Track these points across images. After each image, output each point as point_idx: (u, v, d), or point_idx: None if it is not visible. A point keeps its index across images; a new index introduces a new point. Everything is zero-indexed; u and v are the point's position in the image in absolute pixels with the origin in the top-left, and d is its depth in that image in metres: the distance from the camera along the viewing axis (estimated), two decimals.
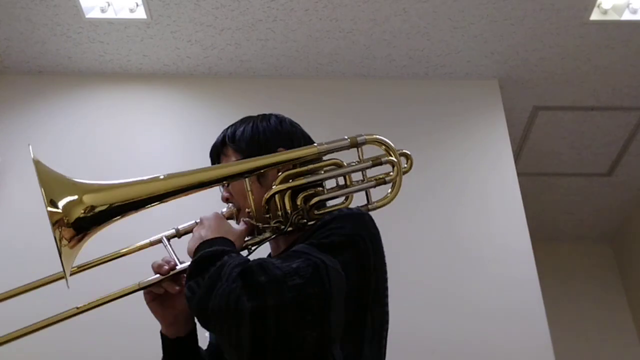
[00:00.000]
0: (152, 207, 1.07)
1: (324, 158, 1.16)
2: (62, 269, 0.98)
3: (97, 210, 1.01)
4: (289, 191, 1.12)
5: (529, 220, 2.49)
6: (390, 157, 1.18)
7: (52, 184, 1.00)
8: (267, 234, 1.11)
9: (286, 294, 0.85)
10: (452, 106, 2.77)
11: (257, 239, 1.11)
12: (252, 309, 0.84)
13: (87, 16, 2.51)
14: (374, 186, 1.18)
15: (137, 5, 2.50)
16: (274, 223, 1.11)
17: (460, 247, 2.40)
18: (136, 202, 1.05)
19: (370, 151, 1.19)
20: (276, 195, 1.11)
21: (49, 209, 0.96)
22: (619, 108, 2.98)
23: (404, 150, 1.21)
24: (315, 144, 1.16)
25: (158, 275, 1.09)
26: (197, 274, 0.94)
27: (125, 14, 2.52)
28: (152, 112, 2.70)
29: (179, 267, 1.10)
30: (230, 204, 1.19)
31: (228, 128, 1.26)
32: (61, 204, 0.98)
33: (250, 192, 1.12)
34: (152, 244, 1.15)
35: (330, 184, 1.18)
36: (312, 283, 0.87)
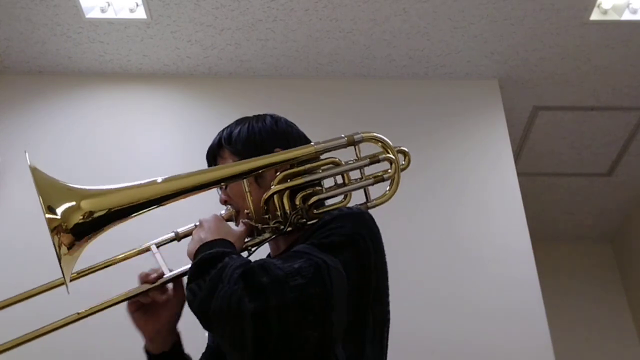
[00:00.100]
0: (151, 211, 1.07)
1: (322, 157, 1.16)
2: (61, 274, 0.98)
3: (95, 215, 1.01)
4: (288, 191, 1.12)
5: (529, 220, 2.49)
6: (388, 155, 1.18)
7: (49, 190, 1.01)
8: (267, 235, 1.11)
9: (288, 294, 0.85)
10: (452, 106, 2.77)
11: (257, 240, 1.11)
12: (254, 310, 0.84)
13: (87, 16, 2.51)
14: (373, 184, 1.18)
15: (137, 5, 2.50)
16: (274, 223, 1.11)
17: (460, 247, 2.40)
18: (134, 206, 1.05)
19: (367, 149, 1.19)
20: (275, 196, 1.11)
21: (47, 215, 0.96)
22: (619, 108, 2.98)
23: (402, 147, 1.22)
24: (312, 143, 1.16)
25: (146, 284, 1.08)
26: (198, 276, 0.94)
27: (125, 14, 2.52)
28: (152, 112, 2.70)
29: (167, 275, 1.09)
30: (229, 206, 1.19)
31: (223, 130, 1.26)
32: (59, 210, 0.98)
33: (248, 193, 1.12)
34: (139, 252, 1.14)
35: (328, 182, 1.18)
36: (314, 283, 0.87)
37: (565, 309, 3.51)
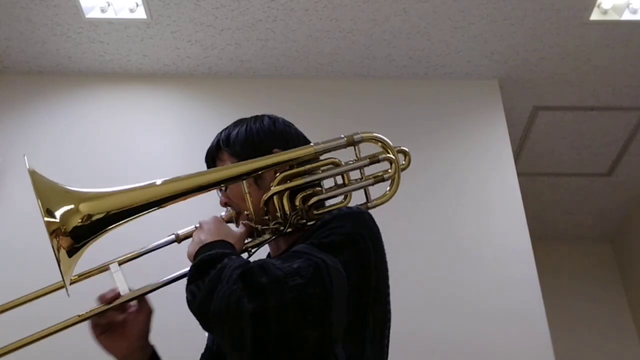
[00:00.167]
0: (153, 213, 1.07)
1: (321, 157, 1.16)
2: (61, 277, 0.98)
3: (94, 218, 1.01)
4: (287, 192, 1.12)
5: (529, 220, 2.49)
6: (388, 155, 1.18)
7: (48, 193, 1.00)
8: (267, 236, 1.11)
9: (287, 294, 0.85)
10: (452, 106, 2.77)
11: (257, 241, 1.11)
12: (253, 310, 0.84)
13: (87, 16, 2.51)
14: (373, 184, 1.18)
15: (137, 5, 2.50)
16: (273, 224, 1.10)
17: (460, 247, 2.40)
18: (133, 209, 1.04)
19: (367, 149, 1.19)
20: (274, 197, 1.11)
21: (46, 219, 0.96)
22: (619, 108, 2.98)
23: (402, 147, 1.21)
24: (311, 144, 1.15)
25: (103, 305, 1.07)
26: (197, 277, 0.94)
27: (125, 14, 2.52)
28: (152, 112, 2.70)
29: (124, 295, 1.08)
30: (229, 208, 1.19)
31: (222, 132, 1.25)
32: (58, 213, 0.98)
33: (248, 195, 1.12)
34: (100, 270, 1.12)
35: (328, 183, 1.18)
36: (313, 283, 0.87)
37: (565, 309, 3.51)
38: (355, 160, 1.18)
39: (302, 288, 0.86)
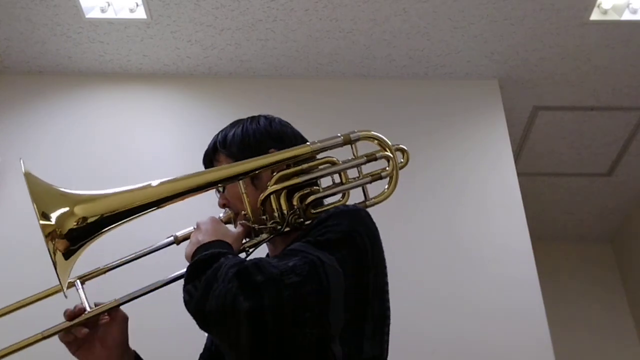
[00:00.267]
0: (153, 213, 1.07)
1: (318, 156, 1.16)
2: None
3: (89, 220, 1.01)
4: (285, 191, 1.11)
5: (529, 220, 2.49)
6: (385, 152, 1.18)
7: (43, 196, 1.00)
8: (265, 235, 1.11)
9: (283, 293, 0.85)
10: (452, 106, 2.77)
11: (254, 241, 1.11)
12: (249, 309, 0.84)
13: (87, 16, 2.51)
14: (370, 182, 1.18)
15: (137, 5, 2.50)
16: (271, 224, 1.10)
17: (460, 247, 2.40)
18: (129, 210, 1.04)
19: (365, 148, 1.18)
20: (271, 196, 1.11)
21: (41, 222, 0.96)
22: (619, 108, 2.98)
23: (400, 145, 1.21)
24: (308, 143, 1.15)
25: (64, 322, 1.06)
26: (194, 277, 0.94)
27: (125, 14, 2.52)
28: (152, 112, 2.71)
29: (88, 311, 1.06)
30: (228, 209, 1.19)
31: (218, 133, 1.25)
32: (53, 216, 0.98)
33: (245, 195, 1.12)
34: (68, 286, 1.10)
35: (326, 182, 1.18)
36: (309, 281, 0.87)
37: (565, 309, 3.51)
38: (352, 158, 1.17)
39: (298, 286, 0.86)
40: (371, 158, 1.17)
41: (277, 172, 1.12)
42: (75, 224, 0.99)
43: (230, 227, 1.14)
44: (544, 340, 2.21)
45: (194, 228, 1.09)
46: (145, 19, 2.53)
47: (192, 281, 0.93)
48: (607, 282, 3.78)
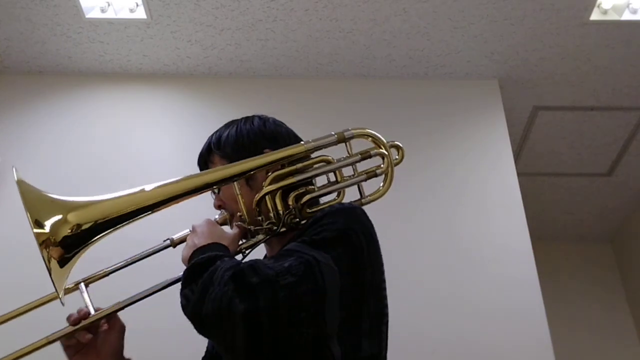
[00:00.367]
0: (152, 215, 1.06)
1: (313, 155, 1.15)
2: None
3: (83, 227, 1.00)
4: (280, 191, 1.11)
5: (529, 220, 2.49)
6: (380, 150, 1.17)
7: (36, 204, 1.00)
8: (261, 236, 1.10)
9: (279, 294, 0.85)
10: (452, 106, 2.77)
11: (251, 242, 1.11)
12: (245, 311, 0.84)
13: (87, 16, 2.51)
14: (365, 180, 1.17)
15: (137, 5, 2.50)
16: (267, 225, 1.10)
17: (460, 247, 2.40)
18: (123, 215, 1.03)
19: (360, 145, 1.18)
20: (267, 197, 1.10)
21: (35, 230, 0.96)
22: (619, 108, 2.98)
23: (395, 142, 1.20)
24: (302, 142, 1.15)
25: (68, 326, 1.06)
26: (190, 280, 0.93)
27: (125, 14, 2.52)
28: (152, 112, 2.70)
29: (92, 315, 1.07)
30: (223, 210, 1.18)
31: (213, 134, 1.25)
32: (47, 223, 0.98)
33: (240, 196, 1.11)
34: (67, 291, 1.11)
35: (321, 181, 1.18)
36: (305, 280, 0.87)
37: (565, 309, 3.51)
38: (346, 157, 1.17)
39: (293, 286, 0.86)
40: (366, 156, 1.17)
41: (272, 172, 1.12)
42: (69, 231, 0.99)
43: (226, 228, 1.13)
44: (544, 340, 2.21)
45: (190, 231, 1.09)
46: (145, 19, 2.53)
47: (189, 285, 0.93)
48: (607, 282, 3.78)
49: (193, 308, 0.90)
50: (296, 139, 1.24)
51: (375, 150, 1.17)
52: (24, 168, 2.48)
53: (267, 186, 1.11)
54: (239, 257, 1.07)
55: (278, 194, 1.11)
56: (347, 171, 1.17)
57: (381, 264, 1.07)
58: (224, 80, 2.80)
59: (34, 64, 2.72)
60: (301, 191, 1.13)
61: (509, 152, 2.66)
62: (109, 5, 2.51)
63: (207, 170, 1.16)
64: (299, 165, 1.13)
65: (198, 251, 0.99)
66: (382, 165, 1.18)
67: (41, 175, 2.49)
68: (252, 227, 1.11)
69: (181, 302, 0.94)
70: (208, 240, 1.02)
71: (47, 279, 1.12)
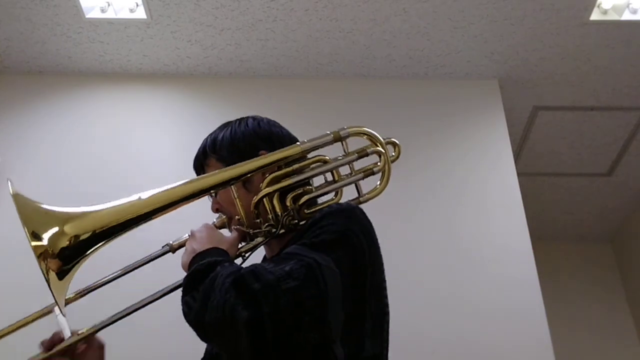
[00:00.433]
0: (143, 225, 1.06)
1: (309, 155, 1.15)
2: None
3: (81, 238, 0.99)
4: (277, 193, 1.10)
5: (529, 220, 2.49)
6: (376, 147, 1.17)
7: (33, 216, 0.99)
8: (260, 239, 1.10)
9: (281, 298, 0.84)
10: (452, 106, 2.77)
11: (250, 245, 1.10)
12: (248, 318, 0.83)
13: (87, 16, 2.51)
14: (363, 178, 1.17)
15: (137, 5, 2.50)
16: (266, 227, 1.09)
17: (460, 247, 2.40)
18: (120, 224, 1.02)
19: (356, 144, 1.17)
20: (264, 199, 1.10)
21: (33, 243, 0.95)
22: (619, 108, 2.98)
23: (391, 139, 1.20)
24: (298, 143, 1.14)
25: (41, 352, 1.05)
26: (191, 288, 0.93)
27: (125, 14, 2.52)
28: (152, 112, 2.70)
29: (67, 339, 1.06)
30: (221, 214, 1.18)
31: (207, 137, 1.24)
32: (44, 236, 0.97)
33: (237, 199, 1.11)
34: (42, 314, 1.10)
35: (318, 181, 1.17)
36: (307, 284, 0.87)
37: (565, 309, 3.51)
38: (343, 155, 1.16)
39: (295, 290, 0.85)
40: (362, 154, 1.16)
41: (269, 174, 1.11)
42: (67, 242, 0.98)
43: (225, 231, 1.13)
44: (544, 340, 2.21)
45: (189, 236, 1.08)
46: (145, 19, 2.53)
47: (190, 292, 0.93)
48: (607, 282, 3.78)
49: (195, 316, 0.89)
50: (291, 139, 1.23)
51: (372, 148, 1.17)
52: (24, 168, 2.50)
53: (264, 188, 1.10)
54: (238, 260, 1.07)
55: (276, 196, 1.10)
56: (344, 170, 1.17)
57: (381, 264, 1.07)
58: (224, 80, 2.80)
59: (34, 64, 2.72)
60: (299, 192, 1.12)
61: (509, 152, 2.66)
62: (109, 5, 2.51)
63: (203, 175, 1.15)
64: (296, 166, 1.12)
65: (198, 257, 0.99)
66: (379, 163, 1.17)
67: (41, 175, 2.50)
68: (250, 231, 1.10)
69: (183, 310, 0.93)
70: (207, 245, 1.01)
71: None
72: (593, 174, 3.38)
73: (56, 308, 1.09)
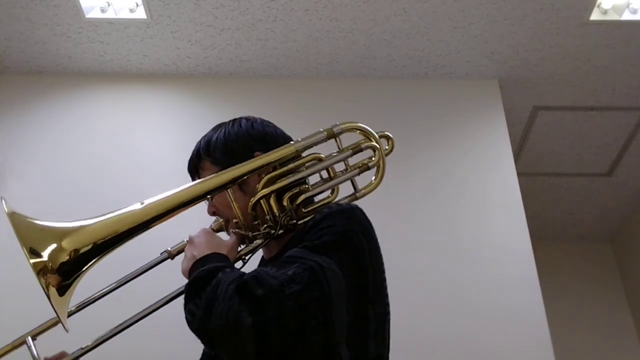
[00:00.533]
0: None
1: (304, 154, 1.14)
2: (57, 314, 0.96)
3: (80, 252, 0.98)
4: (274, 194, 1.10)
5: (529, 220, 2.49)
6: (370, 142, 1.16)
7: (30, 233, 0.98)
8: (259, 241, 1.09)
9: (285, 303, 0.84)
10: (452, 106, 2.77)
11: (249, 248, 1.09)
12: (253, 324, 0.83)
13: (87, 16, 2.51)
14: (358, 174, 1.16)
15: (137, 5, 2.49)
16: (264, 229, 1.09)
17: (460, 247, 2.40)
18: (119, 235, 1.02)
19: (350, 140, 1.17)
20: (261, 201, 1.09)
21: (32, 260, 0.94)
22: (619, 108, 2.98)
23: (385, 132, 1.20)
24: (292, 142, 1.14)
25: None
26: (194, 295, 0.92)
27: (125, 14, 2.52)
28: (152, 112, 2.71)
29: None
30: (218, 217, 1.17)
31: (201, 139, 1.24)
32: (44, 254, 0.96)
33: (234, 202, 1.10)
34: (14, 347, 1.09)
35: (314, 178, 1.17)
36: (311, 288, 0.86)
37: (565, 309, 3.51)
38: (337, 152, 1.16)
39: (299, 295, 0.85)
40: (357, 150, 1.16)
41: (265, 175, 1.11)
42: (67, 257, 0.97)
43: (222, 234, 1.12)
44: (544, 340, 2.21)
45: (187, 241, 1.08)
46: (145, 19, 2.53)
47: (193, 300, 0.92)
48: (607, 282, 3.78)
49: (199, 324, 0.89)
50: (285, 139, 1.23)
51: (366, 143, 1.16)
52: (24, 168, 2.50)
53: (261, 190, 1.09)
54: (239, 264, 1.06)
55: (272, 197, 1.10)
56: (339, 167, 1.17)
57: (381, 264, 1.07)
58: (224, 80, 2.80)
59: (34, 64, 2.72)
60: (295, 191, 1.12)
61: (509, 152, 2.66)
62: (109, 5, 2.51)
63: (199, 181, 1.13)
64: (291, 165, 1.12)
65: (198, 263, 0.98)
66: (373, 158, 1.17)
67: (41, 175, 2.50)
68: (249, 233, 1.10)
69: (186, 318, 0.93)
70: (207, 250, 1.01)
71: None
72: (593, 174, 3.38)
73: (29, 339, 1.08)
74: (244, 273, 0.93)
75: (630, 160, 3.25)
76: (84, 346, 1.07)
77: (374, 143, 1.16)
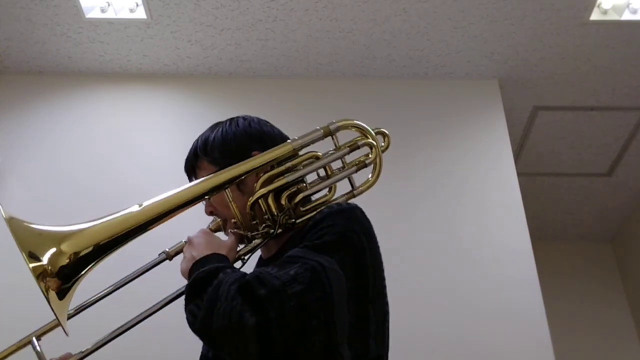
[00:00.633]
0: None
1: (301, 153, 1.14)
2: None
3: (80, 255, 0.98)
4: (272, 193, 1.10)
5: (529, 220, 2.49)
6: (367, 139, 1.16)
7: (29, 238, 0.98)
8: (258, 241, 1.09)
9: (287, 303, 0.84)
10: (452, 106, 2.77)
11: (249, 248, 1.09)
12: (256, 324, 0.83)
13: (87, 16, 2.51)
14: (356, 171, 1.16)
15: (137, 5, 2.50)
16: (263, 228, 1.09)
17: (460, 247, 2.40)
18: (117, 238, 1.01)
19: (346, 137, 1.17)
20: (259, 200, 1.09)
21: (31, 264, 0.94)
22: (619, 108, 2.98)
23: (381, 129, 1.20)
24: (289, 141, 1.14)
25: None
26: (195, 296, 0.92)
27: (125, 14, 2.52)
28: (152, 112, 2.71)
29: None
30: (215, 217, 1.17)
31: (198, 139, 1.23)
32: (43, 257, 0.96)
33: (232, 202, 1.10)
34: (19, 347, 1.09)
35: (312, 177, 1.17)
36: (313, 287, 0.86)
37: (565, 309, 3.51)
38: (334, 150, 1.16)
39: (301, 294, 0.85)
40: (353, 147, 1.16)
41: (262, 175, 1.11)
42: (67, 260, 0.97)
43: (221, 234, 1.12)
44: (544, 340, 2.21)
45: (185, 242, 1.08)
46: (145, 19, 2.53)
47: (194, 300, 0.92)
48: (607, 281, 3.78)
49: (201, 324, 0.89)
50: (282, 137, 1.22)
51: (363, 140, 1.17)
52: (24, 168, 2.50)
53: (259, 189, 1.09)
54: (238, 264, 1.06)
55: (270, 196, 1.09)
56: (336, 164, 1.17)
57: (381, 263, 1.07)
58: (224, 80, 2.80)
59: (34, 64, 2.72)
60: (293, 190, 1.12)
61: (509, 152, 2.66)
62: (109, 5, 2.51)
63: (196, 181, 1.13)
64: (289, 164, 1.12)
65: (198, 264, 0.98)
66: (370, 155, 1.17)
67: (41, 175, 2.50)
68: (248, 233, 1.10)
69: (187, 319, 0.92)
70: (206, 251, 1.01)
71: None
72: (593, 174, 3.38)
73: (34, 339, 1.08)
74: (245, 273, 0.93)
75: (630, 160, 3.25)
76: (83, 349, 1.07)
77: (371, 140, 1.16)
